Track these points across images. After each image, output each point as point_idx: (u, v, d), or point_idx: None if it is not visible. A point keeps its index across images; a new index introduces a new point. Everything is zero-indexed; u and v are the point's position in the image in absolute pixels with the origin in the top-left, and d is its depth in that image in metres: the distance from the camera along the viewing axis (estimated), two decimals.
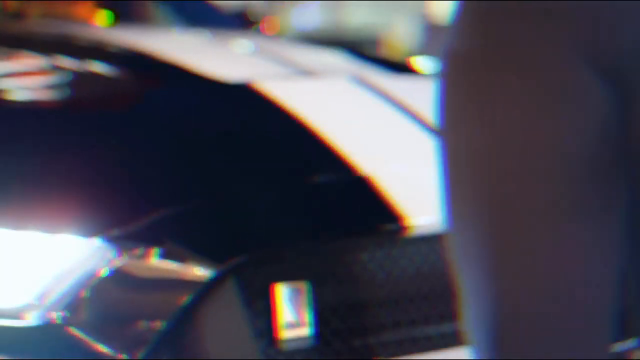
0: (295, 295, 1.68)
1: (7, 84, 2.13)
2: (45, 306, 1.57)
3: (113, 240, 1.60)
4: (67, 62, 2.21)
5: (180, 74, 2.12)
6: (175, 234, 1.64)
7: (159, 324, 1.57)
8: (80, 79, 2.14)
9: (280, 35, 4.29)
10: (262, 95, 1.98)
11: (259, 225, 1.72)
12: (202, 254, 1.62)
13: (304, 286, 1.68)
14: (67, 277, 1.58)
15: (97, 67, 2.20)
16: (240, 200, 1.73)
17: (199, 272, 1.60)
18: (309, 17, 13.70)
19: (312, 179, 1.80)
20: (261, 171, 1.79)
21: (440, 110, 1.13)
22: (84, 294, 1.57)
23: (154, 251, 1.60)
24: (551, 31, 1.06)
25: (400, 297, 1.73)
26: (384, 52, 10.00)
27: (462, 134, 1.09)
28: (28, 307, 1.57)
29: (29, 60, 2.26)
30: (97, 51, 2.35)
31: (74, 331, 1.56)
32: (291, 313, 1.67)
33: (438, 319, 1.75)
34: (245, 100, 2.00)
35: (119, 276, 1.59)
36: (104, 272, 1.58)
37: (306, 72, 2.18)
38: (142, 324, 1.58)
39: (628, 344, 1.91)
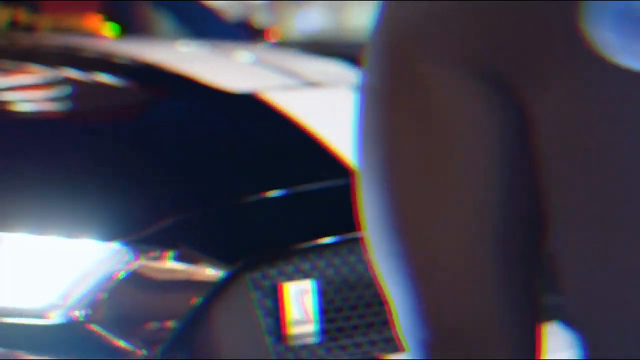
0: (302, 294, 1.71)
1: (26, 95, 2.16)
2: (68, 305, 1.62)
3: (130, 244, 1.64)
4: (83, 75, 2.24)
5: (190, 85, 2.14)
6: (188, 237, 1.68)
7: (174, 322, 1.62)
8: (94, 90, 2.17)
9: (285, 42, 4.20)
10: (267, 105, 2.02)
11: (267, 228, 1.76)
12: (214, 256, 1.66)
13: (310, 285, 1.72)
14: (88, 279, 1.63)
15: (110, 79, 2.22)
16: (249, 205, 1.76)
17: (211, 273, 1.64)
18: (311, 20, 13.54)
19: (317, 184, 1.84)
20: (268, 177, 1.83)
21: (357, 133, 1.09)
22: (104, 294, 1.62)
23: (169, 254, 1.65)
24: (442, 59, 1.01)
25: None
26: None
27: (369, 167, 1.06)
28: (52, 307, 1.62)
29: (42, 73, 2.28)
30: (109, 63, 2.37)
31: (95, 328, 1.60)
32: (298, 311, 1.71)
33: None
34: (251, 110, 2.04)
35: (136, 277, 1.63)
36: (122, 273, 1.63)
37: (310, 83, 2.20)
38: (159, 322, 1.62)
39: None
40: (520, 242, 1.03)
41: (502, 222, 1.01)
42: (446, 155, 1.01)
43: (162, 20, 3.58)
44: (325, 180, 1.84)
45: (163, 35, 3.48)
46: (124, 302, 1.63)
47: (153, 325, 1.63)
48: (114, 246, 1.64)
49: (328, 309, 1.73)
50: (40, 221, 1.67)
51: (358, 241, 1.75)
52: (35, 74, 2.28)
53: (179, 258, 1.66)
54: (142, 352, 1.59)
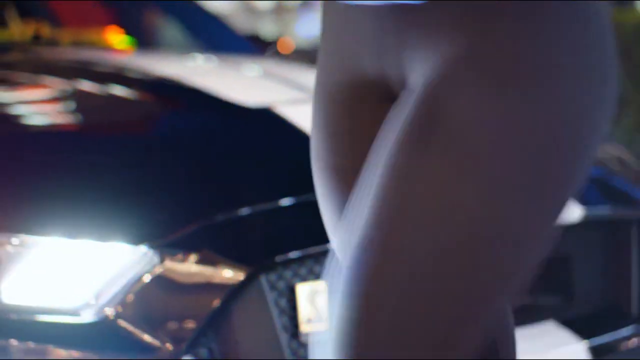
0: (315, 294, 1.78)
1: (54, 108, 2.24)
2: (101, 304, 1.68)
3: (157, 248, 1.71)
4: (101, 88, 2.29)
5: (209, 99, 2.20)
6: (210, 242, 1.75)
7: (197, 320, 1.68)
8: (116, 103, 2.22)
9: (295, 52, 4.22)
10: (282, 118, 2.08)
11: (283, 233, 1.82)
12: (233, 259, 1.73)
13: (322, 286, 1.78)
14: (118, 280, 1.69)
15: (128, 91, 2.27)
16: (266, 212, 1.83)
17: (232, 274, 1.71)
18: (312, 25, 13.45)
19: None
20: (283, 186, 1.89)
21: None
22: (133, 294, 1.69)
23: (192, 257, 1.72)
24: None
25: None
26: None
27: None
28: (86, 306, 1.68)
29: (67, 85, 2.33)
30: (128, 78, 2.42)
31: (126, 325, 1.67)
32: (312, 310, 1.77)
33: None
34: (267, 123, 2.09)
35: (162, 278, 1.70)
36: (149, 275, 1.70)
37: None
38: (183, 320, 1.69)
39: (623, 332, 2.04)
40: None
41: None
42: None
43: (174, 32, 3.60)
44: None
45: (174, 47, 3.50)
46: (151, 302, 1.69)
47: (178, 323, 1.69)
48: (143, 250, 1.70)
49: None
50: (75, 227, 1.73)
51: None
52: (57, 87, 2.32)
53: (202, 261, 1.71)
54: (169, 348, 1.65)
